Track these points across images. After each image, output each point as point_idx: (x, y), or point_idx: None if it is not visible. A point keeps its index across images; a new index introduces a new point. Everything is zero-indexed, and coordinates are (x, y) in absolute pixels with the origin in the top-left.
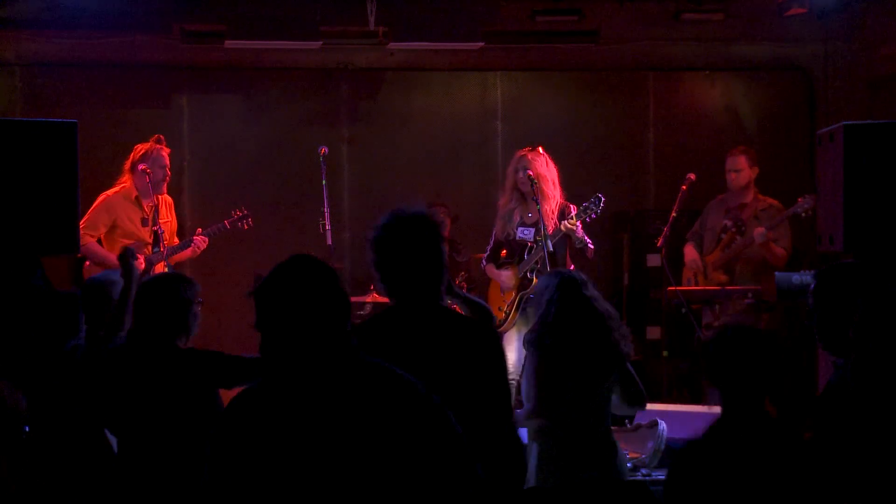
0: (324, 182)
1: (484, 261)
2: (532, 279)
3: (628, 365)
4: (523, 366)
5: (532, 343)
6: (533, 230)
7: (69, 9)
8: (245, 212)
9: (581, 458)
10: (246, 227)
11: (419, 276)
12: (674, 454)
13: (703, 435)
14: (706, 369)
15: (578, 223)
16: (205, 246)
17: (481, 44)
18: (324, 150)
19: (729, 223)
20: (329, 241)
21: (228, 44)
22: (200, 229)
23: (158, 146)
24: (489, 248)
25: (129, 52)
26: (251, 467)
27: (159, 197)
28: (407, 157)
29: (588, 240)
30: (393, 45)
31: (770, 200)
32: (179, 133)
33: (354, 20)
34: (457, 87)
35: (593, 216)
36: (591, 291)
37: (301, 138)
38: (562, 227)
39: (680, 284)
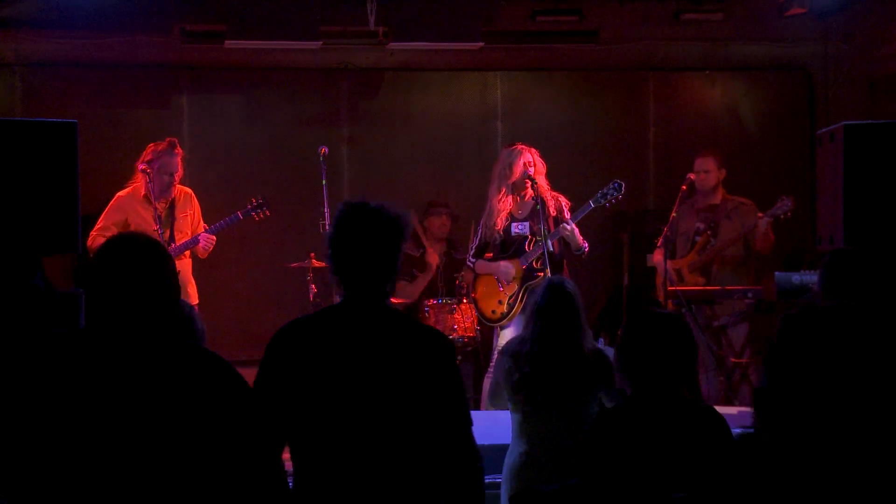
0: (324, 182)
1: (471, 258)
2: (537, 271)
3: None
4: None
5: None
6: (527, 224)
7: (70, 9)
8: (260, 200)
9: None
10: (260, 216)
11: (367, 274)
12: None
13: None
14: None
15: (575, 228)
16: (211, 246)
17: (481, 44)
18: (324, 150)
19: (701, 225)
20: None
21: (228, 44)
22: (206, 226)
23: (169, 150)
24: (475, 245)
25: (129, 52)
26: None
27: (175, 190)
28: (407, 157)
29: (585, 244)
30: (393, 45)
31: (739, 199)
32: (179, 133)
33: (354, 20)
34: (456, 87)
35: (613, 202)
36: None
37: (301, 138)
38: (560, 231)
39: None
